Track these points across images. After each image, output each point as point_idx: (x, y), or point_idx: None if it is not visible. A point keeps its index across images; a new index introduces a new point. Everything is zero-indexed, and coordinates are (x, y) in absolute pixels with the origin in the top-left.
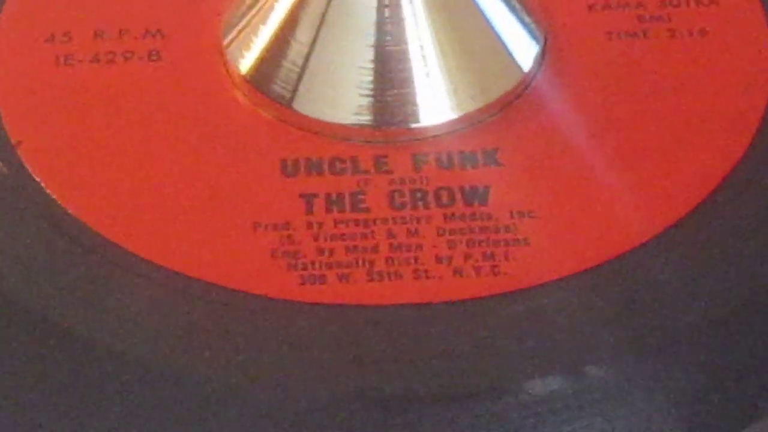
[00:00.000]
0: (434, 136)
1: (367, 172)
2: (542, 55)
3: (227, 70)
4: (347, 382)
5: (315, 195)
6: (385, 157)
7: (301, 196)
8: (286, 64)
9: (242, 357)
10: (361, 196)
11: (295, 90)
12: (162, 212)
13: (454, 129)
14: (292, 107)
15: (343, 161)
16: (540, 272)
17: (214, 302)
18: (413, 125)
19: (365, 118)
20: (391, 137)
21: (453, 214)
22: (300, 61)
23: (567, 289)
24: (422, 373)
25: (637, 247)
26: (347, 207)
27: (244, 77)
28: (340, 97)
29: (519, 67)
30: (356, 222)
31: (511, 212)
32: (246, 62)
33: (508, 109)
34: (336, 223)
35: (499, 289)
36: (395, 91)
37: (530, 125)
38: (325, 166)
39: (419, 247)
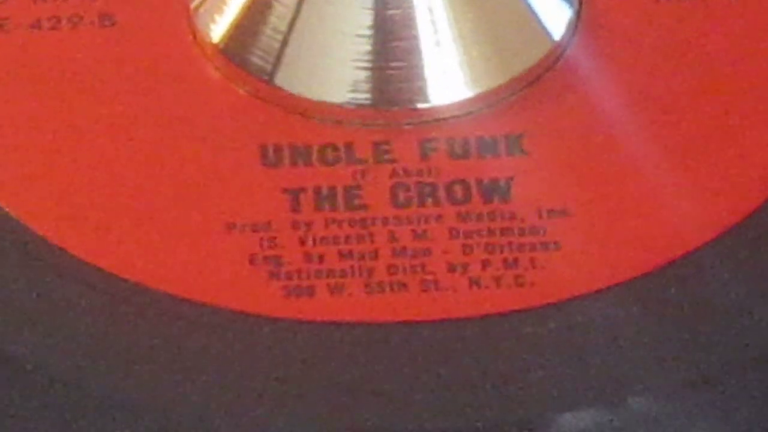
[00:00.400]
0: (446, 119)
1: (364, 161)
2: (576, 20)
3: (196, 39)
4: (340, 416)
5: (302, 189)
6: (387, 143)
7: (285, 190)
8: (267, 30)
9: (212, 387)
10: (357, 191)
11: (277, 62)
12: (115, 211)
13: (469, 110)
14: (274, 83)
15: (336, 149)
16: (573, 283)
17: (180, 319)
18: (420, 105)
19: (362, 97)
20: (393, 120)
21: (468, 213)
22: (283, 27)
23: (606, 304)
24: (432, 406)
25: (689, 253)
26: (341, 204)
27: (216, 46)
28: (332, 71)
29: (549, 35)
30: (351, 222)
31: (539, 211)
32: (218, 29)
33: (535, 86)
34: (327, 223)
35: (524, 303)
36: (398, 63)
37: (562, 105)
38: (314, 155)
39: (428, 252)
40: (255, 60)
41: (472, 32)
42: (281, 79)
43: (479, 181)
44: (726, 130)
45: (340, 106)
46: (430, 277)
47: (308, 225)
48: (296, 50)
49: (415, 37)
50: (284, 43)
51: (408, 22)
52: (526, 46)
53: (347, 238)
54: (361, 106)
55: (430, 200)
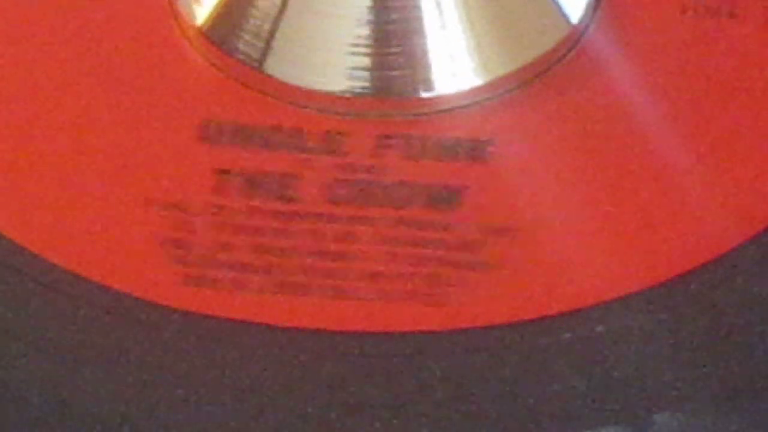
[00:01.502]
0: (451, 109)
1: (310, 150)
2: (596, 2)
3: (178, 22)
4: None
5: (233, 172)
6: (342, 134)
7: (215, 171)
8: (255, 12)
9: (90, 369)
10: (292, 181)
11: (266, 47)
12: (35, 180)
13: (477, 100)
14: (263, 70)
15: (282, 133)
16: (508, 308)
17: (68, 295)
18: (424, 94)
19: (359, 85)
20: (392, 110)
21: (405, 219)
22: (273, 11)
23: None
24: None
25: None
26: (271, 193)
27: (200, 30)
28: (326, 57)
29: (566, 18)
30: (276, 214)
31: (483, 226)
32: (203, 11)
33: (550, 73)
34: (250, 211)
35: (431, 323)
36: (399, 49)
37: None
38: (257, 137)
39: (346, 256)
40: (243, 46)
41: (481, 14)
42: (271, 66)
43: (429, 187)
44: (753, 126)
45: (334, 95)
46: (339, 284)
47: (229, 211)
48: (287, 35)
49: (419, 20)
50: (274, 26)
51: (410, 2)
52: (541, 30)
53: (266, 230)
54: (358, 95)
55: (368, 200)
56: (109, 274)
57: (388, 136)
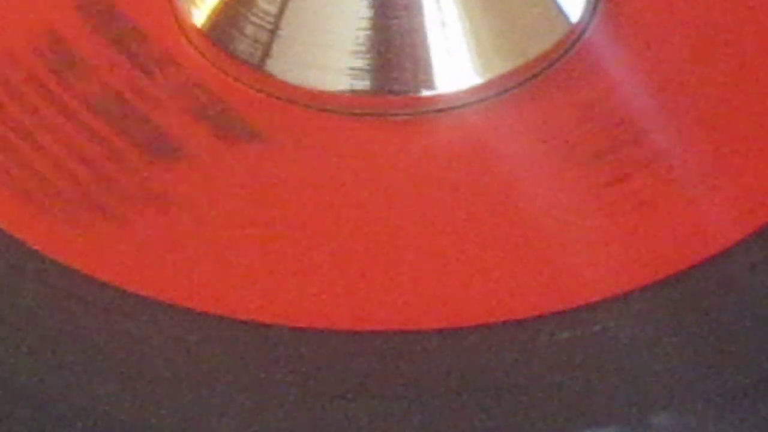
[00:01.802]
0: (453, 108)
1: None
2: (596, 1)
3: (177, 20)
4: None
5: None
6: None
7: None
8: (256, 12)
9: None
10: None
11: (267, 47)
12: None
13: (477, 98)
14: (264, 69)
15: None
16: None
17: None
18: (425, 93)
19: (360, 84)
20: (393, 108)
21: None
22: (273, 9)
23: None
24: None
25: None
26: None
27: (200, 31)
28: (327, 56)
29: (566, 17)
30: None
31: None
32: (202, 11)
33: (551, 71)
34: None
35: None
36: (400, 47)
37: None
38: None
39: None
40: (243, 46)
41: (481, 12)
42: (272, 66)
43: None
44: (754, 129)
45: (335, 94)
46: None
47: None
48: (288, 34)
49: (420, 17)
50: (275, 26)
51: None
52: (540, 28)
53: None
54: (358, 93)
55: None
56: None
57: None
